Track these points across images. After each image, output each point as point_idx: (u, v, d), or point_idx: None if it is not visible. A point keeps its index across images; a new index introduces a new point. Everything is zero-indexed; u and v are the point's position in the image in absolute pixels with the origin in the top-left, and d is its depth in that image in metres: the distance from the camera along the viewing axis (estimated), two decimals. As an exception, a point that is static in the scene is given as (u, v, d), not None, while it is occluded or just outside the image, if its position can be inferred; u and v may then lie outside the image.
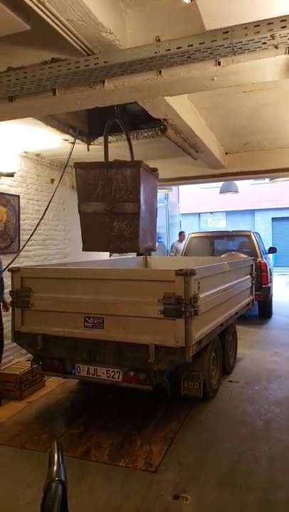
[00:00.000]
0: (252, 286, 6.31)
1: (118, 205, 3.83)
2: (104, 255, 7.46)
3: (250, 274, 6.21)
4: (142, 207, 3.85)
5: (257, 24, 2.25)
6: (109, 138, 5.40)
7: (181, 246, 10.00)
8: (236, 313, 5.23)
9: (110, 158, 3.95)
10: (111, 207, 3.84)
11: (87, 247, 4.14)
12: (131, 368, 3.56)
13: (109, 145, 4.08)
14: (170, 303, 3.33)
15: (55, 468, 1.05)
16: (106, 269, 4.20)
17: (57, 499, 0.96)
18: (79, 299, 3.70)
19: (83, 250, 4.17)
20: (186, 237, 10.19)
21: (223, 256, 7.90)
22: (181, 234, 12.21)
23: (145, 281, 3.56)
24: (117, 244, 3.93)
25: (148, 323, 3.43)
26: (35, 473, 3.05)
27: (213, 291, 4.06)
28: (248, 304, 6.06)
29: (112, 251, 4.43)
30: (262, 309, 8.74)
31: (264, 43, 2.33)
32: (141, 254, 6.74)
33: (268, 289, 8.12)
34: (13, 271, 3.97)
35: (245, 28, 2.27)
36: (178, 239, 12.15)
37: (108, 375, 3.66)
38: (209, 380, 4.32)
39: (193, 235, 9.60)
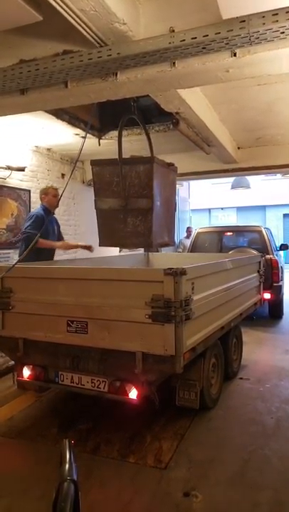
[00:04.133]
0: (259, 285, 6.00)
1: (132, 201, 3.79)
2: (115, 251, 7.44)
3: (258, 271, 5.91)
4: (156, 202, 3.80)
5: (275, 13, 2.19)
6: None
7: (188, 242, 9.77)
8: (241, 314, 4.89)
9: (125, 154, 3.92)
10: (125, 203, 3.81)
11: (103, 242, 4.12)
12: (117, 377, 3.30)
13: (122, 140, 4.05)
14: (159, 306, 3.04)
15: (66, 467, 1.03)
16: (89, 269, 3.90)
17: (69, 499, 0.94)
18: (62, 301, 3.46)
19: (100, 246, 4.16)
20: (192, 232, 10.00)
21: (231, 252, 7.67)
22: (188, 229, 12.07)
23: (132, 281, 3.25)
24: (132, 239, 3.89)
25: (135, 328, 3.15)
26: (44, 467, 3.05)
27: (212, 291, 3.77)
28: (256, 304, 5.74)
29: (126, 247, 4.40)
30: (272, 309, 8.43)
31: (282, 33, 2.28)
32: (149, 250, 6.71)
33: (279, 288, 7.87)
34: None
35: (263, 16, 2.21)
36: (185, 235, 12.05)
37: (93, 384, 3.41)
38: (208, 389, 3.98)
39: (200, 231, 9.27)
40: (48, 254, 5.12)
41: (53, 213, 5.18)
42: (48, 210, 5.05)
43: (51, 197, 5.09)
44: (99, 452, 3.34)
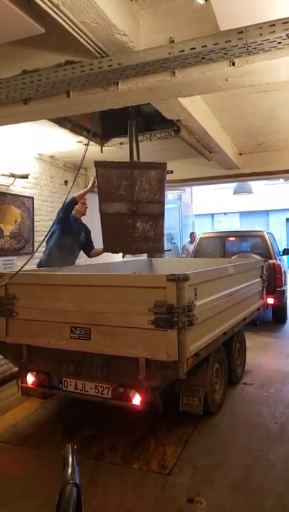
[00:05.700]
0: (262, 290, 5.99)
1: (142, 206, 3.79)
2: (118, 257, 7.46)
3: (261, 276, 5.90)
4: (164, 208, 3.82)
5: (272, 24, 2.23)
6: (122, 139, 5.43)
7: (192, 247, 9.76)
8: (244, 319, 4.88)
9: (126, 159, 3.94)
10: (136, 207, 3.79)
11: (108, 248, 4.09)
12: (120, 383, 3.30)
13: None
14: (161, 312, 3.05)
15: (69, 471, 1.05)
16: (92, 275, 3.90)
17: (72, 502, 0.96)
18: (65, 307, 3.48)
19: (104, 251, 4.14)
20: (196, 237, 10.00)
21: (234, 257, 7.66)
22: (192, 235, 12.10)
23: (134, 287, 3.27)
24: (140, 245, 3.87)
25: (138, 334, 3.16)
26: (48, 474, 3.06)
27: (215, 297, 3.76)
28: (259, 309, 5.73)
29: (134, 252, 4.36)
30: (276, 314, 8.39)
31: (279, 43, 2.31)
32: (153, 256, 6.73)
33: (283, 293, 7.85)
34: None
35: (260, 27, 2.25)
36: (189, 240, 12.07)
37: (97, 390, 3.41)
38: (211, 395, 3.98)
39: (203, 235, 9.27)
40: (72, 258, 5.25)
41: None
42: (74, 216, 5.17)
43: (80, 203, 5.21)
44: (103, 458, 3.35)
